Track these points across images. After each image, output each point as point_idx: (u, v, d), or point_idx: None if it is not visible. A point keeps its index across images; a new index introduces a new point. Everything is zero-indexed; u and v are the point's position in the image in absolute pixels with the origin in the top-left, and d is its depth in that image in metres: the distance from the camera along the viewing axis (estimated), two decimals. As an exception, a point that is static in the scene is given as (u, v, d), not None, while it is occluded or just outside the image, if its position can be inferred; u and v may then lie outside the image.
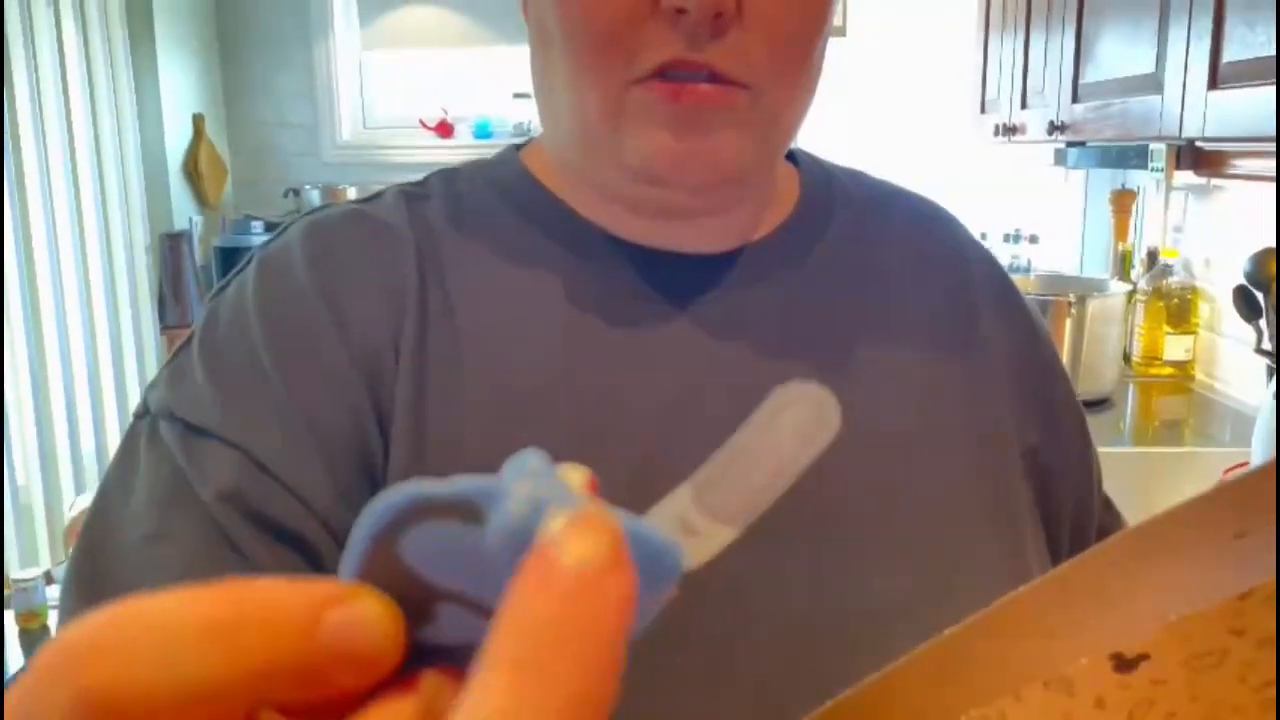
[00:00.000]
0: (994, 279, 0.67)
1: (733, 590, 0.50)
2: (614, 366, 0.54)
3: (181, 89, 3.30)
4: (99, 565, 0.50)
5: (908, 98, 3.39)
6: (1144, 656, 0.36)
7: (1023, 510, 0.60)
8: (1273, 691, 0.37)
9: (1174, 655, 0.36)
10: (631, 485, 0.42)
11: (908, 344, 0.60)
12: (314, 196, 3.49)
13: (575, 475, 0.19)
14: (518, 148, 0.63)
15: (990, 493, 0.58)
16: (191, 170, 3.32)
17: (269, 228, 3.47)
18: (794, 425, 0.21)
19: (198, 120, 3.36)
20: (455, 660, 0.19)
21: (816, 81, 0.56)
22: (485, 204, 0.59)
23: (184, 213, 3.32)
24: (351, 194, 3.51)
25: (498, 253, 0.57)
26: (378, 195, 0.60)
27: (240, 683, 0.18)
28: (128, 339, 2.95)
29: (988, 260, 0.68)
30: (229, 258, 3.37)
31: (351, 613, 0.18)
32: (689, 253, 0.58)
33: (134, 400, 2.95)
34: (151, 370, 3.02)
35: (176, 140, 3.28)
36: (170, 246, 3.16)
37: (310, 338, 0.52)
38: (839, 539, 0.53)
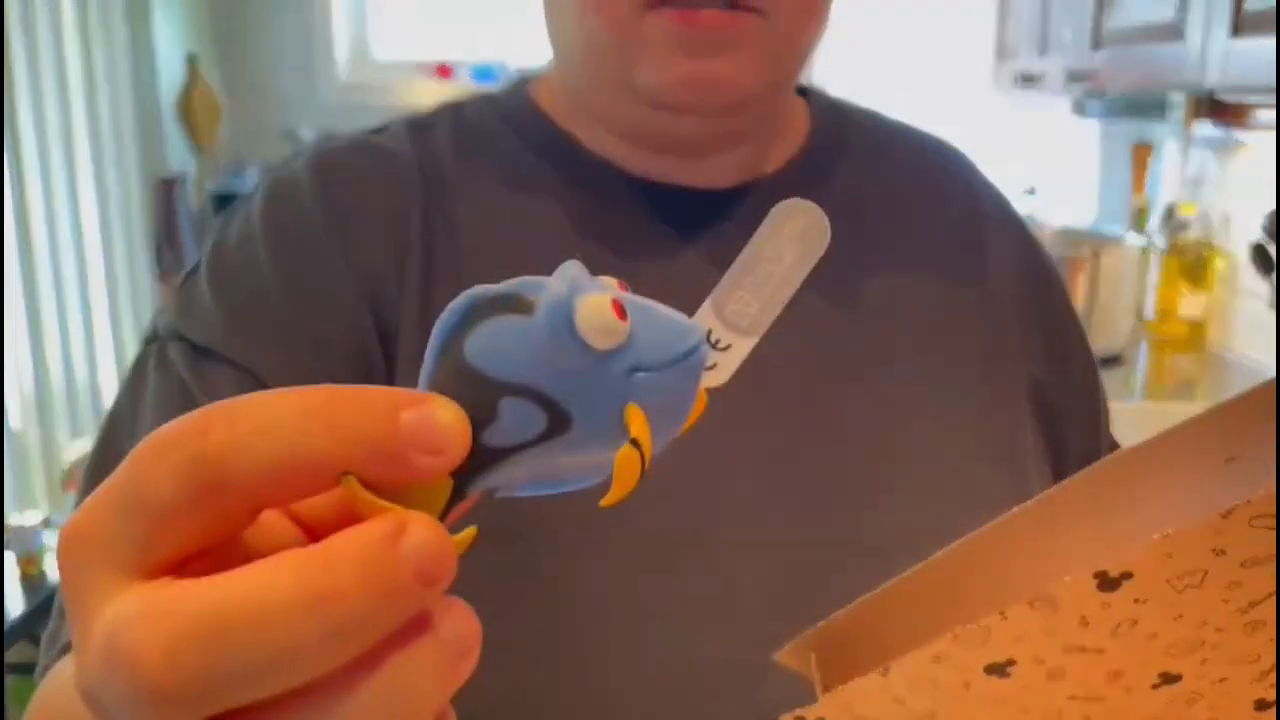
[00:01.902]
0: (1007, 219, 0.67)
1: (737, 514, 0.53)
2: None
3: (175, 30, 3.25)
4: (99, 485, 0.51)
5: (921, 39, 3.31)
6: (1127, 575, 0.34)
7: (1027, 446, 0.60)
8: (1256, 613, 0.36)
9: (1157, 574, 0.35)
10: None
11: (917, 274, 0.61)
12: (311, 139, 3.45)
13: (609, 278, 0.22)
14: (525, 81, 0.63)
15: (995, 426, 0.59)
16: (186, 112, 3.28)
17: (265, 171, 3.43)
18: (794, 234, 0.24)
19: (192, 61, 3.31)
20: (508, 461, 0.21)
21: (828, 9, 0.55)
22: (491, 135, 0.60)
23: (178, 156, 3.28)
24: (352, 138, 3.48)
25: (503, 182, 0.58)
26: (384, 126, 0.61)
27: (333, 453, 0.20)
28: (123, 283, 2.93)
29: (1000, 201, 0.68)
30: (224, 204, 3.33)
31: (425, 408, 0.21)
32: (696, 187, 0.59)
33: (130, 344, 2.94)
34: (147, 314, 3.00)
35: (170, 83, 3.22)
36: (164, 192, 3.13)
37: (316, 262, 0.54)
38: (839, 470, 0.55)
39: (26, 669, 2.37)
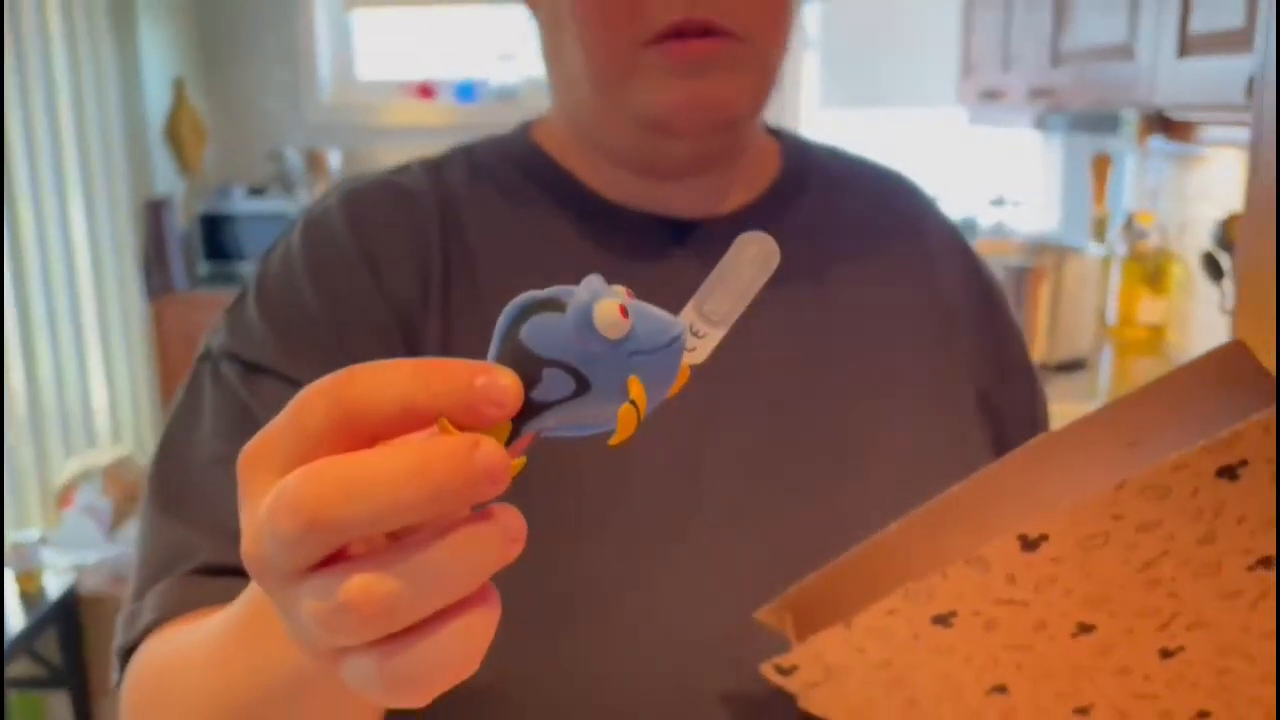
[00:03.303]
0: (955, 245, 0.75)
1: (719, 502, 0.60)
2: None
3: (161, 54, 3.29)
4: (173, 488, 0.59)
5: (890, 58, 3.39)
6: (1044, 537, 0.42)
7: (976, 443, 0.68)
8: (1151, 572, 0.43)
9: (1069, 537, 0.42)
10: None
11: (874, 293, 0.69)
12: (296, 160, 3.49)
13: (620, 287, 0.31)
14: (528, 125, 0.71)
15: (947, 425, 0.67)
16: (172, 135, 3.31)
17: (252, 192, 3.47)
18: (751, 257, 0.32)
19: (179, 84, 3.35)
20: (547, 413, 0.30)
21: (792, 31, 0.63)
22: (499, 174, 0.68)
23: (166, 177, 3.32)
24: (334, 157, 3.51)
25: (511, 216, 0.66)
26: (405, 167, 0.68)
27: (430, 403, 0.28)
28: (113, 303, 2.96)
29: (949, 228, 0.76)
30: (212, 225, 3.37)
31: (492, 375, 0.29)
32: (685, 217, 0.66)
33: (121, 365, 2.98)
34: (138, 335, 3.04)
35: (157, 106, 3.27)
36: (152, 213, 3.16)
37: (351, 290, 0.61)
38: (812, 462, 0.63)
39: (27, 684, 2.40)
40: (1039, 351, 2.25)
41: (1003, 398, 0.71)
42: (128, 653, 0.55)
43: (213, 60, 3.54)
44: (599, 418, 0.31)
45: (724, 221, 0.67)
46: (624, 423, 0.30)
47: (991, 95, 2.57)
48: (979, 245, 2.62)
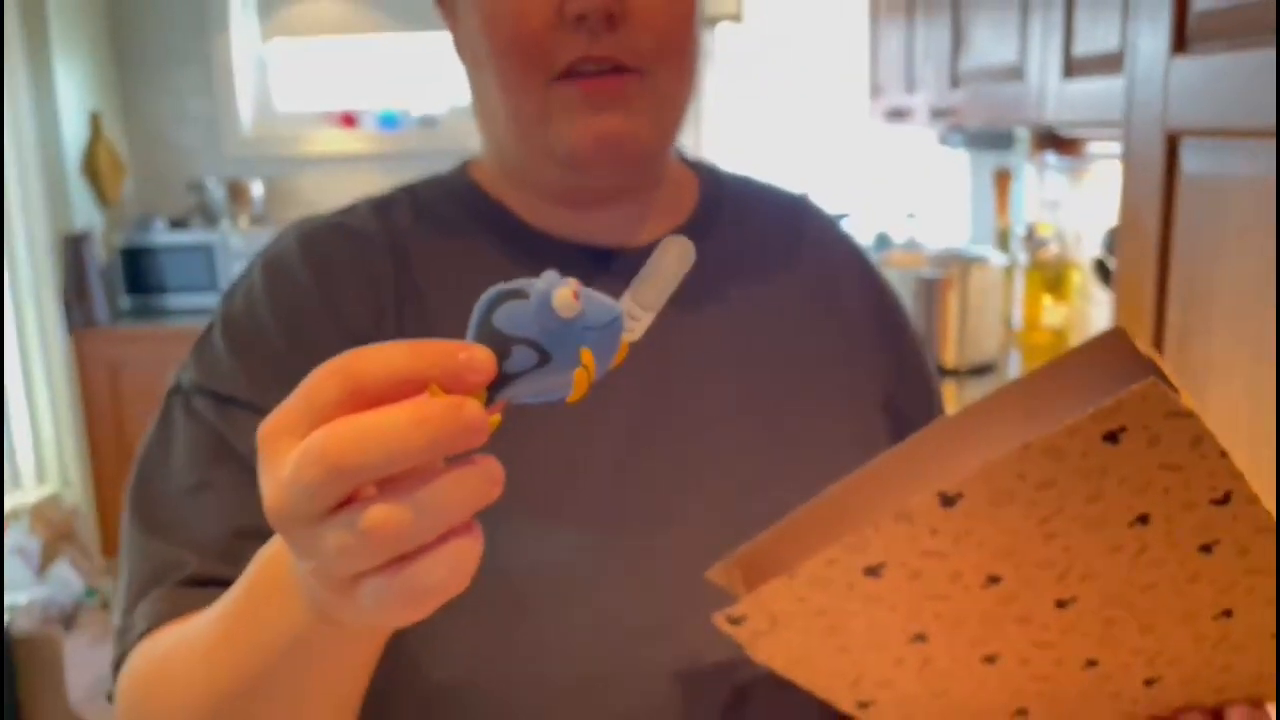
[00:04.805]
0: (857, 261, 0.82)
1: (654, 497, 0.67)
2: None
3: (77, 88, 3.25)
4: (154, 511, 0.62)
5: (804, 80, 3.51)
6: (960, 495, 0.47)
7: (881, 438, 0.74)
8: (1048, 526, 0.48)
9: (981, 494, 0.48)
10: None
11: (785, 306, 0.75)
12: (218, 191, 3.47)
13: (571, 279, 0.38)
14: (466, 164, 0.77)
15: (854, 422, 0.74)
16: (90, 169, 3.27)
17: (173, 224, 3.44)
18: (674, 254, 0.40)
19: (96, 119, 3.31)
20: (517, 381, 0.37)
21: (696, 64, 0.69)
22: (440, 210, 0.73)
23: (84, 212, 3.27)
24: (257, 187, 3.50)
25: (452, 249, 0.71)
26: (352, 208, 0.74)
27: (424, 373, 0.35)
28: (33, 340, 2.91)
29: (848, 242, 0.83)
30: (133, 259, 3.34)
31: (472, 350, 0.35)
32: (609, 245, 0.72)
33: (42, 398, 2.93)
34: (60, 372, 3.00)
35: (74, 140, 3.23)
36: (72, 248, 3.12)
37: (312, 324, 0.66)
38: (734, 457, 0.69)
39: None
40: (950, 357, 2.36)
41: (904, 398, 0.78)
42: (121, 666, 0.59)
43: (129, 93, 3.51)
44: (557, 385, 0.38)
45: (644, 250, 0.73)
46: (578, 384, 0.38)
47: (898, 115, 2.69)
48: (893, 258, 2.72)
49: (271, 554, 0.45)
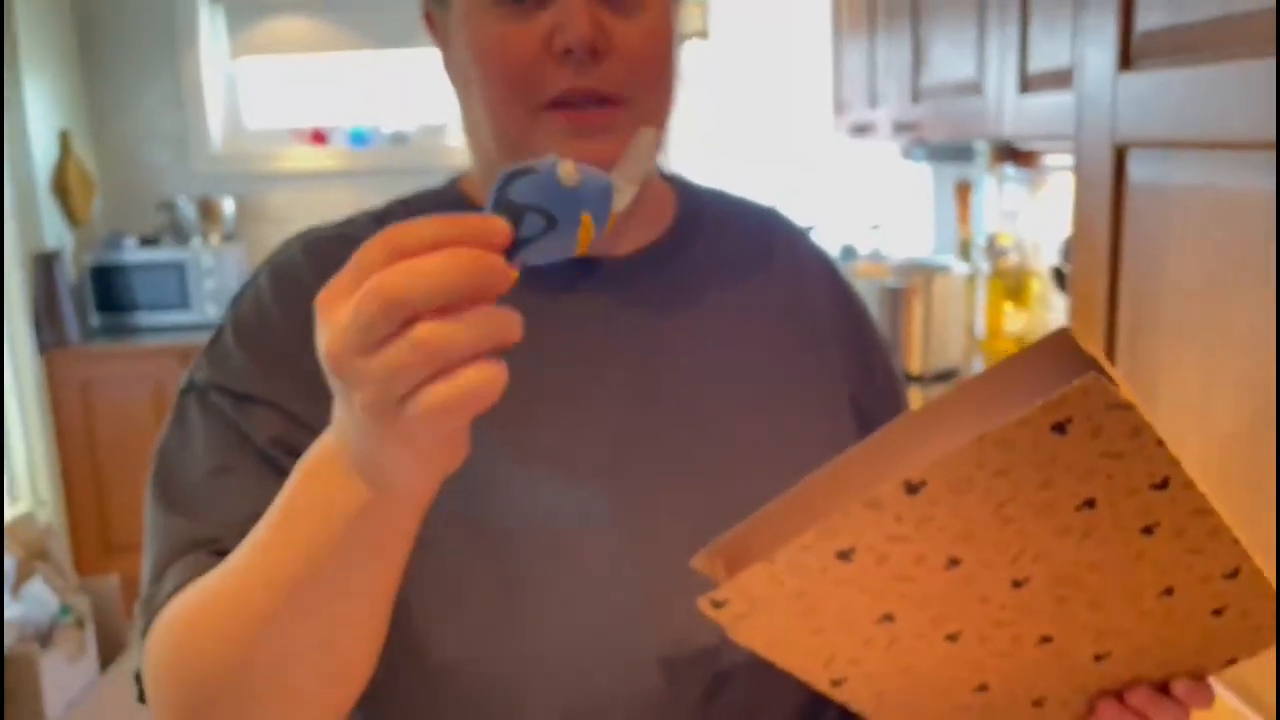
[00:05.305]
0: (824, 269, 0.86)
1: (640, 486, 0.71)
2: (532, 346, 0.72)
3: (47, 107, 3.24)
4: (179, 495, 0.65)
5: (770, 96, 3.56)
6: (923, 483, 0.50)
7: (848, 438, 0.76)
8: (1004, 512, 0.51)
9: (942, 482, 0.51)
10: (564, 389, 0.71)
11: (756, 313, 0.79)
12: (189, 209, 3.47)
13: (570, 159, 0.45)
14: (457, 178, 0.80)
15: (821, 421, 0.78)
16: (60, 188, 3.27)
17: (143, 242, 3.44)
18: (647, 144, 0.49)
19: (65, 137, 3.30)
20: (530, 246, 0.44)
21: (676, 89, 0.73)
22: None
23: (54, 230, 3.26)
24: (227, 204, 3.50)
25: None
26: (351, 220, 0.77)
27: (455, 236, 0.42)
28: (4, 360, 2.90)
29: (816, 252, 0.87)
30: (104, 277, 3.33)
31: (493, 219, 0.43)
32: (592, 255, 0.74)
33: (15, 421, 2.91)
34: (31, 391, 2.99)
35: (44, 159, 3.22)
36: (42, 267, 3.11)
37: None
38: (712, 452, 0.73)
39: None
40: (916, 364, 2.41)
41: (870, 399, 0.82)
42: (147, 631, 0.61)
43: (98, 112, 3.50)
44: (563, 248, 0.45)
45: (626, 260, 0.77)
46: (582, 240, 0.45)
47: (862, 130, 2.75)
48: (858, 269, 2.77)
49: (312, 454, 0.50)
